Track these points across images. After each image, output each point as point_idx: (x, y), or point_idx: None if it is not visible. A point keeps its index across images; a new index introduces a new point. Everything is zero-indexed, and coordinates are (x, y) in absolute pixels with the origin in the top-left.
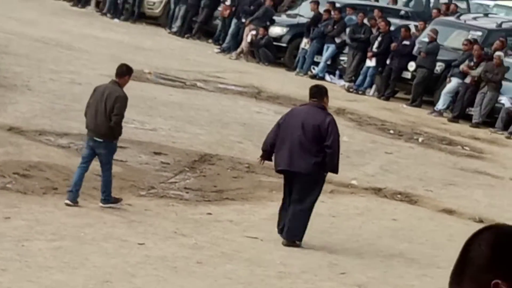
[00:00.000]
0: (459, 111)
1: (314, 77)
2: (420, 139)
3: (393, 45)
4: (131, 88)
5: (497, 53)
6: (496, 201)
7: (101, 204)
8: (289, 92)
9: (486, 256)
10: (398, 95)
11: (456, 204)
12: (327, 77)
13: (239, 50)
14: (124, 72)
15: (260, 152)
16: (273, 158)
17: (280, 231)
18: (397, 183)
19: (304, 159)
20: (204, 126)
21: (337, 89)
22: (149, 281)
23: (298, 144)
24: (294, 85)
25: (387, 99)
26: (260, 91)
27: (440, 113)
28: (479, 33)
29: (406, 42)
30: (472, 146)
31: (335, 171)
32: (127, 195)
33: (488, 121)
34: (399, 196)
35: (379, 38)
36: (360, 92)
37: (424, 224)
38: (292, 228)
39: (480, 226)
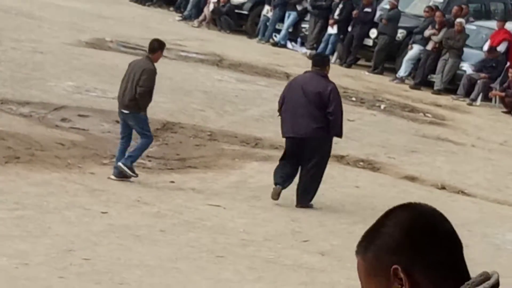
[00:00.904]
0: (421, 78)
1: (275, 44)
2: (382, 106)
3: (354, 12)
4: (92, 56)
5: (458, 19)
6: (458, 167)
7: (120, 164)
8: (251, 60)
9: (396, 238)
10: (360, 62)
11: (418, 171)
12: (289, 44)
13: (201, 18)
14: (156, 47)
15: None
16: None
17: (276, 183)
18: (360, 150)
19: (308, 124)
20: (166, 94)
21: (298, 57)
22: (112, 249)
23: (301, 111)
24: (256, 53)
25: (349, 66)
26: (222, 59)
27: (402, 80)
28: (440, 0)
29: (368, 9)
30: (434, 113)
31: (339, 135)
32: (90, 163)
33: (450, 88)
34: (361, 163)
35: (341, 5)
36: None
37: (387, 191)
38: (303, 195)
39: (442, 193)
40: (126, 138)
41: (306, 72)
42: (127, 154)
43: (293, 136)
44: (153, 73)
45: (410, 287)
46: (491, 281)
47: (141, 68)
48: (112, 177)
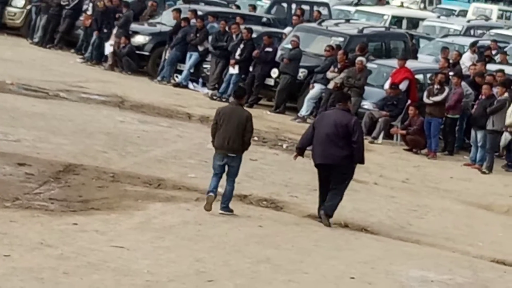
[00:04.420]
0: None
1: (177, 85)
2: (284, 146)
3: (255, 52)
4: None
5: (359, 58)
6: (360, 205)
7: (221, 211)
8: (153, 100)
9: None
10: (261, 102)
11: None
12: (190, 85)
13: (110, 61)
14: (242, 94)
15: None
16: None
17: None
18: (262, 189)
19: (335, 153)
20: (68, 136)
21: (200, 97)
22: None
23: (330, 141)
24: (158, 94)
25: (251, 106)
26: (124, 100)
27: (303, 119)
28: (341, 39)
29: (269, 49)
30: None
31: (362, 162)
32: None
33: None
34: (264, 202)
35: (241, 46)
36: (223, 100)
37: (290, 229)
38: (329, 207)
39: (346, 230)
40: (221, 174)
41: (330, 109)
42: (223, 203)
43: (322, 163)
44: (252, 117)
45: None
46: None
47: (244, 116)
48: (222, 211)
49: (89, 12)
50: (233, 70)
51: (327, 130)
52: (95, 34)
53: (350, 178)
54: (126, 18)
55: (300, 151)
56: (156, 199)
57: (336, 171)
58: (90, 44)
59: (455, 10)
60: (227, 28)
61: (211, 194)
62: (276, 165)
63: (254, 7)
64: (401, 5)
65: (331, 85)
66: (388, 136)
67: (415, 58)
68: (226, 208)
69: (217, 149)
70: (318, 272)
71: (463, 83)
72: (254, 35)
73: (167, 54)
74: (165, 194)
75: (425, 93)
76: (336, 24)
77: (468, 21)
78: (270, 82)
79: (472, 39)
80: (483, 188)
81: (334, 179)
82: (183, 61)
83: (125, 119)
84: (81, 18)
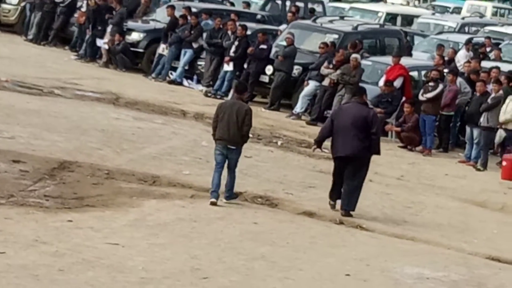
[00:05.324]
0: (317, 114)
1: (172, 82)
2: (279, 143)
3: (250, 49)
4: None
5: (354, 55)
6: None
7: (225, 200)
8: (148, 97)
9: None
10: (256, 99)
11: (316, 206)
12: (185, 82)
13: (104, 59)
14: (243, 89)
15: None
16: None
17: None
18: (257, 186)
19: (354, 145)
20: (62, 133)
21: (195, 94)
22: None
23: (349, 133)
24: (152, 91)
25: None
26: (118, 97)
27: (298, 116)
28: (336, 36)
29: (263, 46)
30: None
31: (378, 153)
32: None
33: None
34: (259, 199)
35: (236, 43)
36: (218, 97)
37: (285, 226)
38: (348, 202)
39: (341, 228)
40: (222, 168)
41: (346, 102)
42: (227, 193)
43: (343, 155)
44: (252, 112)
45: None
46: None
47: (243, 110)
48: (213, 200)
49: (83, 9)
50: (228, 67)
51: (347, 123)
52: (88, 31)
53: (366, 171)
54: (120, 15)
55: (319, 144)
56: (151, 196)
57: (353, 163)
58: (84, 41)
59: (449, 7)
60: (221, 25)
61: (213, 199)
62: (271, 162)
63: (248, 4)
64: (407, 3)
65: (326, 82)
66: (383, 133)
67: (410, 55)
68: (229, 197)
69: (218, 141)
70: (314, 269)
71: (460, 80)
72: (248, 32)
73: (165, 51)
74: (160, 191)
75: (421, 91)
76: (331, 21)
77: (463, 18)
78: (265, 79)
79: (466, 36)
80: (478, 185)
81: (350, 172)
82: (177, 58)
83: (119, 116)
84: (75, 15)
